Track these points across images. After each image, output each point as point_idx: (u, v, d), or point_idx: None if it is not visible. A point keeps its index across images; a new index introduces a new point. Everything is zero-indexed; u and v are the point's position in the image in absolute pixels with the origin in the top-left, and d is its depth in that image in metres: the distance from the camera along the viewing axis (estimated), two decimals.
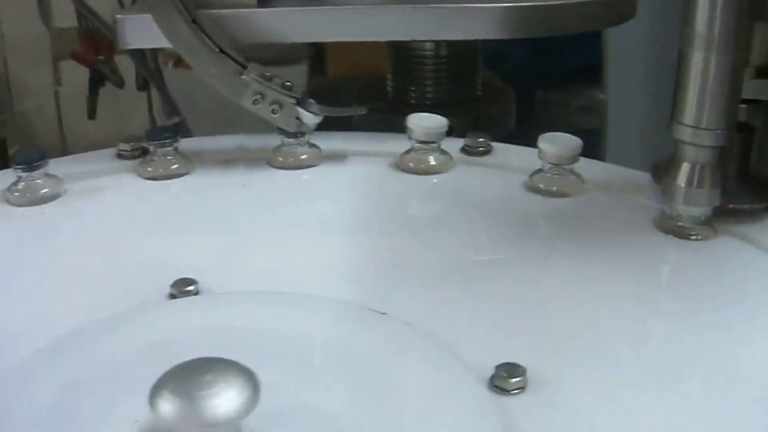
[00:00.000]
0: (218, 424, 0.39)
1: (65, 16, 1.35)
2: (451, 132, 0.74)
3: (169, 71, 1.17)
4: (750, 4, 0.57)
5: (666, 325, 0.55)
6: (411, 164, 0.73)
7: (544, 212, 0.68)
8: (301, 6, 0.76)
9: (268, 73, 0.72)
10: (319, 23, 0.76)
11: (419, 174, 0.73)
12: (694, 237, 0.62)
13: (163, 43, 0.73)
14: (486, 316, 0.54)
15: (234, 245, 0.62)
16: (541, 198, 0.69)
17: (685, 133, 0.60)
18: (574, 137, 0.68)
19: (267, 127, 0.74)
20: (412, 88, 0.98)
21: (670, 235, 0.62)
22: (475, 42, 0.97)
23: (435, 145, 0.73)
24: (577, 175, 0.69)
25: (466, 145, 0.76)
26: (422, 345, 0.50)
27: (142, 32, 0.74)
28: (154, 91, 1.20)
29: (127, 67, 1.32)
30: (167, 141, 0.72)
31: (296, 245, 0.62)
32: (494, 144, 0.76)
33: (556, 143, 0.68)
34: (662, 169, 0.63)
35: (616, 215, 0.67)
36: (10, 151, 1.55)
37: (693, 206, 0.61)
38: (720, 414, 0.46)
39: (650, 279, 0.59)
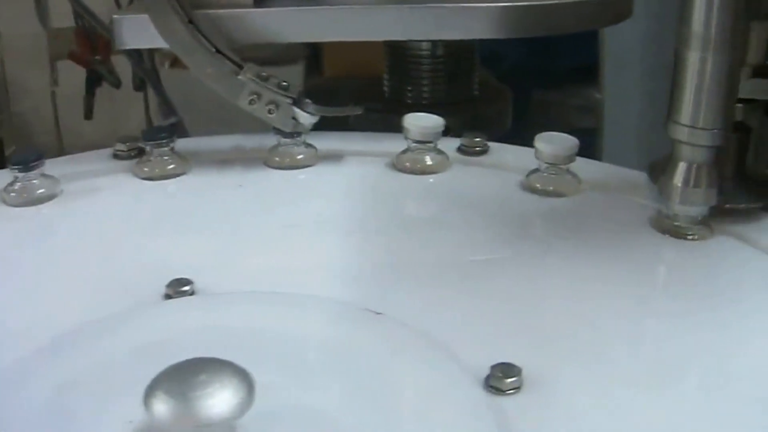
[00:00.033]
0: (212, 424, 0.39)
1: (62, 16, 1.35)
2: (447, 132, 0.74)
3: (165, 71, 1.17)
4: (746, 4, 0.57)
5: (662, 325, 0.55)
6: (407, 164, 0.73)
7: (540, 212, 0.68)
8: (298, 6, 0.76)
9: (264, 74, 0.72)
10: (315, 23, 0.76)
11: (416, 174, 0.73)
12: (690, 237, 0.62)
13: (160, 43, 0.73)
14: (482, 315, 0.54)
15: (230, 245, 0.62)
16: (537, 198, 0.69)
17: (681, 133, 0.60)
18: (570, 137, 0.68)
19: (264, 127, 0.73)
20: (409, 88, 0.98)
21: (667, 235, 0.62)
22: (471, 41, 0.97)
23: (431, 144, 0.73)
24: (574, 175, 0.69)
25: (462, 144, 0.76)
26: (418, 345, 0.50)
27: (138, 32, 0.75)
28: (151, 92, 1.19)
29: (124, 67, 1.31)
30: (163, 141, 0.72)
31: (292, 245, 0.62)
32: (491, 144, 0.76)
33: (552, 143, 0.68)
34: (659, 169, 0.63)
35: (612, 215, 0.67)
36: (7, 152, 1.55)
37: (689, 206, 0.61)
38: (716, 413, 0.46)
39: (647, 279, 0.59)
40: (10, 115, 1.64)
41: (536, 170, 0.69)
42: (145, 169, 0.73)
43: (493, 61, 1.15)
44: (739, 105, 0.62)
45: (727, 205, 0.63)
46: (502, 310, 0.54)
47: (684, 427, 0.45)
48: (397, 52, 0.98)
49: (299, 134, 0.73)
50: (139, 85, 1.22)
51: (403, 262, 0.60)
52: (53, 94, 1.69)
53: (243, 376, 0.40)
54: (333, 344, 0.50)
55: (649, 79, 1.15)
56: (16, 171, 0.68)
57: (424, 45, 0.96)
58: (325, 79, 1.45)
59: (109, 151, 0.76)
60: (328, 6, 0.76)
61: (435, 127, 0.72)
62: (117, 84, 1.34)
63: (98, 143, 0.77)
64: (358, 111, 0.75)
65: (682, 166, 0.61)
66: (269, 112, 0.71)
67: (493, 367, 0.46)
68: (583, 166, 0.69)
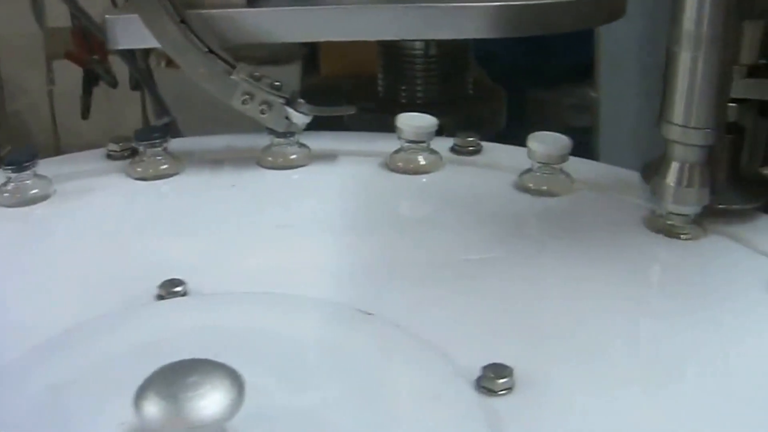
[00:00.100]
0: (203, 426, 0.39)
1: (59, 16, 1.35)
2: (441, 131, 0.74)
3: (161, 71, 1.17)
4: (738, 2, 0.57)
5: (655, 324, 0.55)
6: (400, 164, 0.73)
7: (533, 211, 0.68)
8: (291, 6, 0.76)
9: (257, 73, 0.71)
10: (308, 23, 0.76)
11: (409, 174, 0.72)
12: (683, 236, 0.62)
13: (153, 43, 0.73)
14: (474, 315, 0.54)
15: (223, 245, 0.62)
16: (530, 197, 0.69)
17: (673, 132, 0.60)
18: (563, 136, 0.68)
19: (257, 127, 0.73)
20: (403, 88, 0.98)
21: (660, 235, 0.62)
22: (465, 41, 0.97)
23: (424, 144, 0.73)
24: (567, 175, 0.69)
25: (455, 144, 0.75)
26: (409, 346, 0.50)
27: (132, 32, 0.74)
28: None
29: (120, 66, 1.31)
30: (156, 141, 0.72)
31: (285, 245, 0.62)
32: (484, 143, 0.76)
33: (545, 142, 0.68)
34: (652, 168, 0.63)
35: (605, 214, 0.67)
36: (3, 152, 1.55)
37: (682, 205, 0.61)
38: (709, 412, 0.46)
39: (640, 278, 0.59)
40: (6, 115, 1.64)
41: (529, 170, 0.69)
42: (138, 169, 0.72)
43: (488, 61, 1.15)
44: (733, 105, 0.62)
45: (721, 206, 0.63)
46: (495, 310, 0.54)
47: (677, 426, 0.45)
48: (391, 51, 0.98)
49: (292, 134, 0.73)
50: (136, 85, 1.22)
51: (396, 262, 0.60)
52: (50, 93, 1.69)
53: (233, 378, 0.40)
54: (324, 345, 0.50)
55: (644, 78, 1.14)
56: (9, 171, 0.68)
57: (418, 44, 0.96)
58: (322, 79, 1.44)
59: (102, 151, 0.76)
60: (320, 6, 0.76)
61: (428, 127, 0.72)
62: (114, 83, 1.34)
63: (95, 142, 0.77)
64: (351, 111, 0.75)
65: (674, 166, 0.61)
66: (262, 112, 0.71)
67: (485, 368, 0.46)
68: (576, 165, 0.69)
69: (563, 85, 1.34)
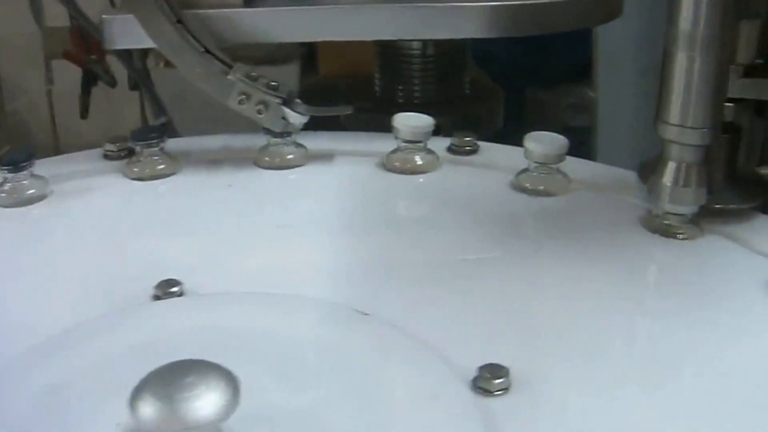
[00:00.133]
0: (199, 426, 0.39)
1: (57, 16, 1.35)
2: (439, 131, 0.74)
3: (160, 70, 1.17)
4: (734, 2, 0.57)
5: (652, 324, 0.55)
6: (397, 164, 0.73)
7: (530, 211, 0.68)
8: (287, 6, 0.75)
9: (253, 73, 0.71)
10: (305, 23, 0.76)
11: (405, 174, 0.72)
12: (680, 236, 0.62)
13: (150, 43, 0.73)
14: (471, 315, 0.54)
15: (219, 246, 0.62)
16: (527, 197, 0.69)
17: (670, 132, 0.60)
18: (560, 136, 0.68)
19: (254, 127, 0.73)
20: (400, 87, 0.98)
21: (657, 234, 0.62)
22: (462, 41, 0.97)
23: (421, 144, 0.73)
24: (564, 174, 0.69)
25: (452, 144, 0.75)
26: (405, 346, 0.50)
27: (128, 32, 0.74)
28: None
29: (119, 66, 1.31)
30: (153, 141, 0.72)
31: (282, 245, 0.62)
32: (481, 143, 0.76)
33: (542, 142, 0.68)
34: (649, 168, 0.63)
35: (602, 214, 0.67)
36: (1, 152, 1.54)
37: (679, 205, 0.61)
38: (706, 412, 0.46)
39: (636, 278, 0.59)
40: (5, 115, 1.64)
41: (526, 170, 0.69)
42: (135, 169, 0.72)
43: (486, 60, 1.15)
44: (730, 105, 0.62)
45: (718, 205, 0.62)
46: (491, 310, 0.54)
47: (674, 425, 0.45)
48: (388, 51, 0.98)
49: (289, 134, 0.73)
50: (135, 85, 1.22)
51: (393, 262, 0.60)
52: (49, 93, 1.69)
53: (228, 378, 0.40)
54: (320, 345, 0.50)
55: (642, 78, 1.14)
56: (6, 171, 0.68)
57: (415, 44, 0.96)
58: (320, 78, 1.44)
59: (99, 151, 0.76)
60: (317, 6, 0.75)
61: (425, 127, 0.72)
62: (112, 83, 1.34)
63: (94, 142, 0.77)
64: (348, 111, 0.75)
65: (671, 166, 0.61)
66: (259, 112, 0.71)
67: (481, 368, 0.46)
68: (573, 165, 0.69)
69: (562, 84, 1.34)
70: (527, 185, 0.69)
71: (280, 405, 0.45)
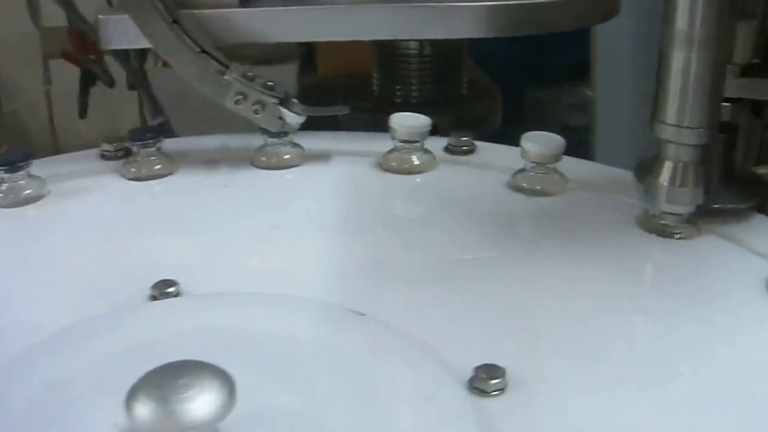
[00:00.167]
0: (195, 427, 0.39)
1: (55, 16, 1.35)
2: (436, 131, 0.74)
3: (157, 70, 1.17)
4: (731, 2, 0.57)
5: (649, 324, 0.55)
6: (394, 164, 0.73)
7: (527, 211, 0.68)
8: (283, 6, 0.75)
9: (250, 73, 0.71)
10: (301, 23, 0.76)
11: (402, 174, 0.72)
12: (677, 236, 0.62)
13: (146, 43, 0.73)
14: (467, 315, 0.54)
15: (216, 246, 0.62)
16: (524, 197, 0.69)
17: (667, 132, 0.60)
18: (556, 136, 0.68)
19: (251, 127, 0.73)
20: (398, 87, 0.98)
21: (654, 234, 0.62)
22: (460, 40, 0.97)
23: (418, 144, 0.73)
24: (561, 174, 0.69)
25: (449, 144, 0.75)
26: (401, 346, 0.49)
27: (124, 32, 0.74)
28: None
29: (117, 66, 1.31)
30: (150, 141, 0.72)
31: (278, 246, 0.62)
32: (478, 143, 0.76)
33: (538, 142, 0.68)
34: (646, 168, 0.63)
35: (599, 214, 0.67)
36: (0, 152, 1.54)
37: (676, 205, 0.61)
38: (703, 411, 0.46)
39: (633, 277, 0.59)
40: (3, 115, 1.64)
41: (523, 170, 0.69)
42: (132, 169, 0.72)
43: (485, 60, 1.15)
44: (727, 104, 0.62)
45: (715, 205, 0.62)
46: (488, 310, 0.54)
47: (671, 425, 0.45)
48: (386, 51, 0.98)
49: (286, 134, 0.73)
50: (133, 85, 1.22)
51: (389, 262, 0.60)
52: (47, 92, 1.68)
53: (224, 379, 0.40)
54: (316, 346, 0.50)
55: (640, 77, 1.14)
56: (3, 172, 0.68)
57: (412, 44, 0.96)
58: (319, 78, 1.44)
59: (96, 151, 0.76)
60: (314, 6, 0.75)
61: (421, 127, 0.72)
62: (111, 83, 1.34)
63: (93, 142, 0.77)
64: (345, 110, 0.75)
65: (668, 165, 0.60)
66: (255, 112, 0.71)
67: (477, 369, 0.46)
68: (570, 165, 0.69)
69: (560, 84, 1.35)
70: (524, 185, 0.69)
71: (277, 405, 0.45)
